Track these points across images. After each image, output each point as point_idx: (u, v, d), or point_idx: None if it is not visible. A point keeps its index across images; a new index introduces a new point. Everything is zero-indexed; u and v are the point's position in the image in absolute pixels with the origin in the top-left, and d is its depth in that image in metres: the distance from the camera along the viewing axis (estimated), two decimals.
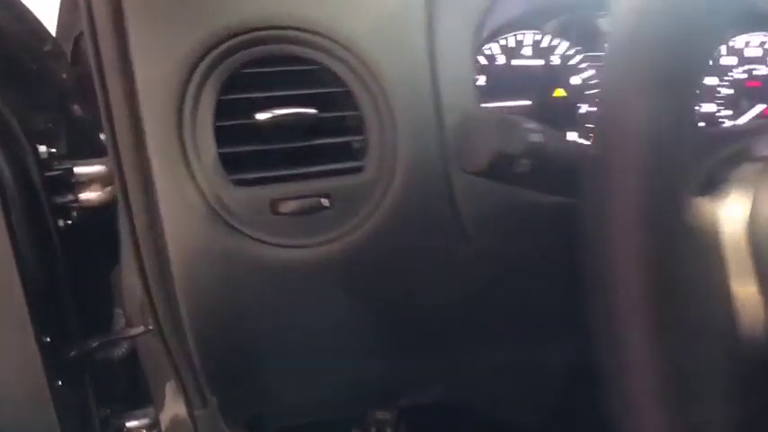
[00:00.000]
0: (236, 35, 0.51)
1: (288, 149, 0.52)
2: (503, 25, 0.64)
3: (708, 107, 0.71)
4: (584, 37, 0.68)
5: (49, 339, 0.55)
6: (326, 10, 0.53)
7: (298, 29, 0.53)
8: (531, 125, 0.45)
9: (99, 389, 0.63)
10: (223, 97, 0.51)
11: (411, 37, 0.54)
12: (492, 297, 0.55)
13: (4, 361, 0.54)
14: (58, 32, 0.71)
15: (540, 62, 0.67)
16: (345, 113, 0.54)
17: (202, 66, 0.50)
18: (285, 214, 0.51)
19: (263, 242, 0.50)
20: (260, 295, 0.51)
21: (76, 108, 0.68)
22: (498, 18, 0.62)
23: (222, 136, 0.51)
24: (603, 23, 0.68)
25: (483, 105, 0.61)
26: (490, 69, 0.65)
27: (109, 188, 0.58)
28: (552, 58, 0.67)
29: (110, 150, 0.49)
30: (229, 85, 0.52)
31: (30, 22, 0.64)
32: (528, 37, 0.66)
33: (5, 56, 0.60)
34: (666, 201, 0.33)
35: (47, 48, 0.65)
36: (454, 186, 0.53)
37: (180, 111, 0.49)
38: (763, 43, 0.71)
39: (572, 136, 0.68)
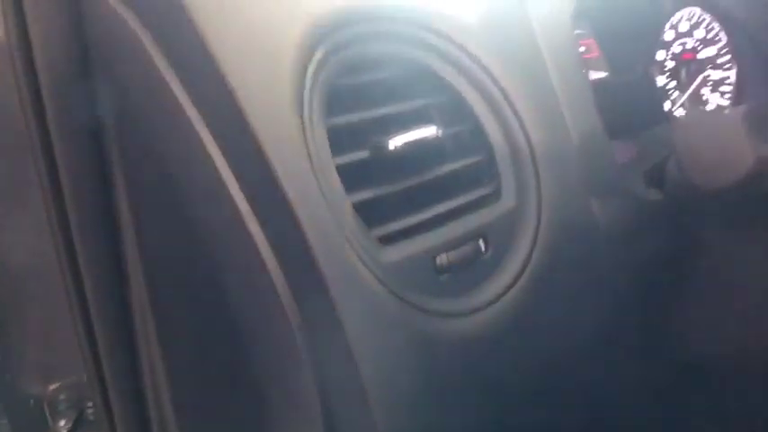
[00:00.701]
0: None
1: (414, 185, 0.40)
2: None
3: (660, 80, 0.73)
4: None
5: None
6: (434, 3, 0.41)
7: (403, 20, 0.40)
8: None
9: None
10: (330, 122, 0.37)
11: (520, 42, 0.45)
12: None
13: None
14: None
15: None
16: (463, 128, 0.43)
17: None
18: (448, 271, 0.39)
19: (432, 312, 0.38)
20: (442, 379, 0.38)
21: None
22: None
23: (346, 179, 0.37)
24: None
25: None
26: None
27: None
28: None
29: None
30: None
31: None
32: None
33: None
34: None
35: None
36: (594, 206, 0.45)
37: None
38: (690, 17, 0.75)
39: None
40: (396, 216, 0.39)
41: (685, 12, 0.75)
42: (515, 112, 0.43)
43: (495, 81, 0.43)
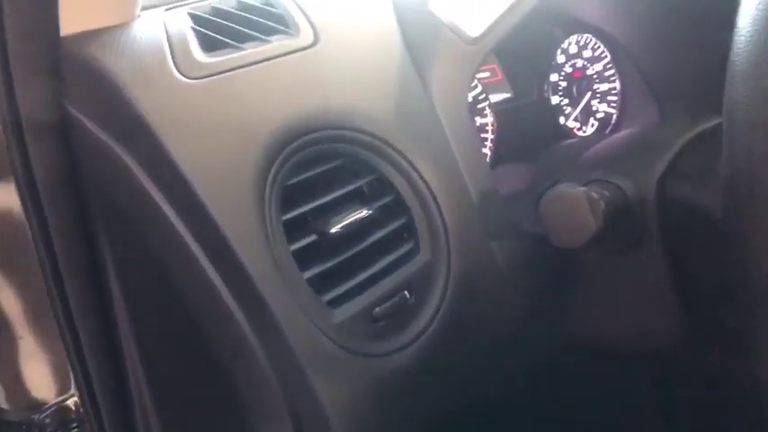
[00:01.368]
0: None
1: (353, 254, 0.52)
2: None
3: (554, 99, 0.86)
4: None
5: None
6: (359, 108, 0.53)
7: (340, 127, 0.52)
8: (595, 193, 0.53)
9: None
10: (285, 217, 0.49)
11: (426, 124, 0.57)
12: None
13: None
14: None
15: None
16: (388, 199, 0.55)
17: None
18: (383, 319, 0.51)
19: (370, 355, 0.50)
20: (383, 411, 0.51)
21: None
22: None
23: (298, 259, 0.49)
24: None
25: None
26: None
27: None
28: None
29: None
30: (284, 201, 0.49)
31: None
32: None
33: None
34: None
35: None
36: (493, 248, 0.58)
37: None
38: (578, 42, 0.87)
39: None
40: (339, 282, 0.51)
41: (574, 37, 0.87)
42: (426, 184, 0.55)
43: (408, 161, 0.55)
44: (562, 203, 0.52)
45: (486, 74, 0.83)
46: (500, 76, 0.85)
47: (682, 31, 0.78)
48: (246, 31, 0.53)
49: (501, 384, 0.61)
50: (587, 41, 0.88)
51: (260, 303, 0.46)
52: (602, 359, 0.68)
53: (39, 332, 0.62)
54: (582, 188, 0.53)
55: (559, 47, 0.86)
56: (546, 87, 0.85)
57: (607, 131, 0.90)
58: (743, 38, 0.43)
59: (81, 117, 0.46)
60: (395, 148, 0.54)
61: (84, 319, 0.52)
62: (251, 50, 0.51)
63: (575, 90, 0.88)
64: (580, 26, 0.86)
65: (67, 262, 0.50)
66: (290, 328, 0.46)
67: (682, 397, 0.72)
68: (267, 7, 0.57)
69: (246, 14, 0.55)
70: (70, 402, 0.64)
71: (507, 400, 0.64)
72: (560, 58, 0.86)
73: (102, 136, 0.46)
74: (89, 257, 0.50)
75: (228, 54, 0.51)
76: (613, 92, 0.90)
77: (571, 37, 0.87)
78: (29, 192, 0.48)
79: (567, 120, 0.87)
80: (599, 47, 0.88)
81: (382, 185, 0.56)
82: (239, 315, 0.46)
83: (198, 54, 0.49)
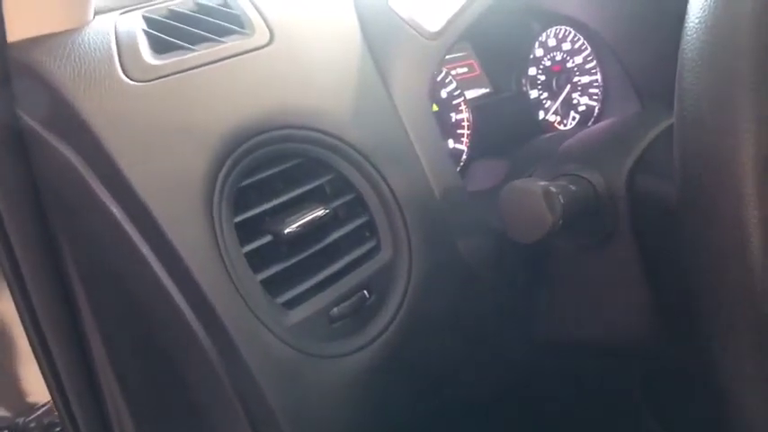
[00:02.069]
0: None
1: (310, 254, 0.52)
2: None
3: (533, 93, 0.85)
4: None
5: None
6: (315, 107, 0.52)
7: (294, 126, 0.51)
8: (553, 187, 0.52)
9: None
10: (237, 219, 0.48)
11: (385, 121, 0.56)
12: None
13: None
14: None
15: None
16: (347, 198, 0.54)
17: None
18: (340, 320, 0.51)
19: (326, 356, 0.50)
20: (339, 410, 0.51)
21: None
22: None
23: (252, 261, 0.48)
24: None
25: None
26: None
27: None
28: None
29: None
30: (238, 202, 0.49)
31: None
32: None
33: None
34: None
35: None
36: (459, 245, 0.57)
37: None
38: (556, 34, 0.86)
39: (450, 142, 0.76)
40: (296, 282, 0.51)
41: (552, 30, 0.86)
42: (386, 181, 0.55)
43: (367, 158, 0.54)
44: (519, 198, 0.51)
45: (464, 69, 0.82)
46: (478, 71, 0.84)
47: (661, 21, 0.77)
48: (199, 32, 0.53)
49: (474, 385, 0.60)
50: (566, 34, 0.87)
51: (209, 307, 0.45)
52: (576, 357, 0.67)
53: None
54: (542, 182, 0.52)
55: (537, 40, 0.85)
56: (524, 81, 0.84)
57: (589, 125, 0.89)
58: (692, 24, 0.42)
59: (34, 124, 0.46)
60: (353, 147, 0.54)
61: (51, 322, 0.52)
62: (202, 52, 0.51)
63: (554, 83, 0.87)
64: (557, 18, 0.85)
65: (30, 267, 0.50)
66: (239, 331, 0.45)
67: (660, 392, 0.71)
68: (223, 8, 0.56)
69: (201, 16, 0.55)
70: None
71: (482, 401, 0.63)
72: (538, 52, 0.85)
73: (54, 142, 0.46)
74: (52, 263, 0.50)
75: (179, 56, 0.50)
76: (595, 84, 0.89)
77: (549, 29, 0.86)
78: None
79: (546, 114, 0.86)
80: (578, 39, 0.87)
81: (342, 185, 0.55)
82: (192, 319, 0.46)
83: (147, 56, 0.49)
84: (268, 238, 0.50)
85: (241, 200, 0.50)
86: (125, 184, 0.45)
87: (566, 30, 0.86)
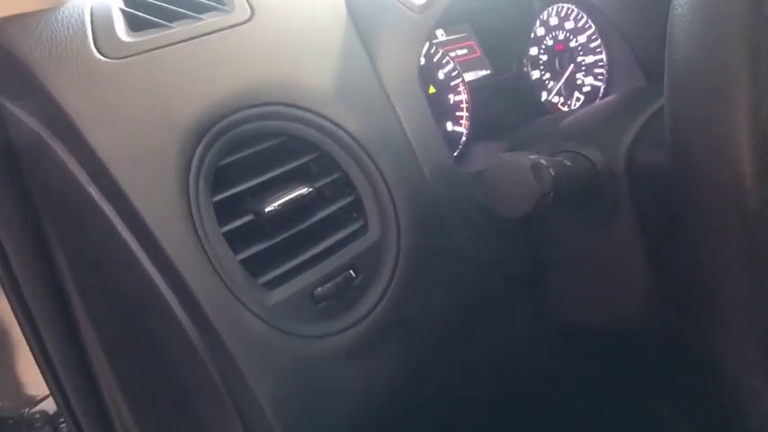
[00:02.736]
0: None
1: (294, 233, 0.50)
2: None
3: (535, 74, 0.83)
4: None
5: None
6: (297, 83, 0.51)
7: (273, 103, 0.50)
8: (544, 160, 0.50)
9: None
10: (216, 198, 0.47)
11: (372, 97, 0.54)
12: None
13: None
14: None
15: None
16: (333, 177, 0.53)
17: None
18: (325, 300, 0.49)
19: (310, 336, 0.49)
20: (325, 393, 0.50)
21: None
22: None
23: (233, 241, 0.47)
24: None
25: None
26: None
27: None
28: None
29: None
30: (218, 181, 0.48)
31: None
32: None
33: None
34: None
35: None
36: (449, 225, 0.56)
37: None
38: (558, 12, 0.84)
39: (448, 125, 0.75)
40: (279, 262, 0.49)
41: (553, 8, 0.84)
42: (373, 159, 0.53)
43: (353, 136, 0.53)
44: (506, 171, 0.49)
45: (464, 51, 0.80)
46: (479, 52, 0.82)
47: None
48: (177, 9, 0.52)
49: (463, 369, 0.59)
50: (569, 12, 0.84)
51: (185, 286, 0.44)
52: (576, 338, 0.65)
53: None
54: (533, 156, 0.50)
55: (538, 18, 0.83)
56: (525, 62, 0.82)
57: None
58: None
59: (13, 108, 0.46)
60: (337, 124, 0.52)
61: (44, 314, 0.51)
62: (179, 29, 0.50)
63: (557, 63, 0.85)
64: None
65: (19, 254, 0.50)
66: (215, 310, 0.44)
67: (663, 372, 0.68)
68: None
69: None
70: None
71: (472, 386, 0.61)
72: (540, 31, 0.83)
73: (32, 124, 0.45)
74: (41, 249, 0.50)
75: (155, 33, 0.49)
76: (600, 64, 0.86)
77: (550, 8, 0.83)
78: None
79: (549, 95, 0.84)
80: (582, 17, 0.85)
81: (327, 163, 0.54)
82: (170, 298, 0.45)
83: (122, 34, 0.48)
84: (249, 218, 0.49)
85: (222, 179, 0.48)
86: (98, 163, 0.44)
87: (568, 7, 0.84)
